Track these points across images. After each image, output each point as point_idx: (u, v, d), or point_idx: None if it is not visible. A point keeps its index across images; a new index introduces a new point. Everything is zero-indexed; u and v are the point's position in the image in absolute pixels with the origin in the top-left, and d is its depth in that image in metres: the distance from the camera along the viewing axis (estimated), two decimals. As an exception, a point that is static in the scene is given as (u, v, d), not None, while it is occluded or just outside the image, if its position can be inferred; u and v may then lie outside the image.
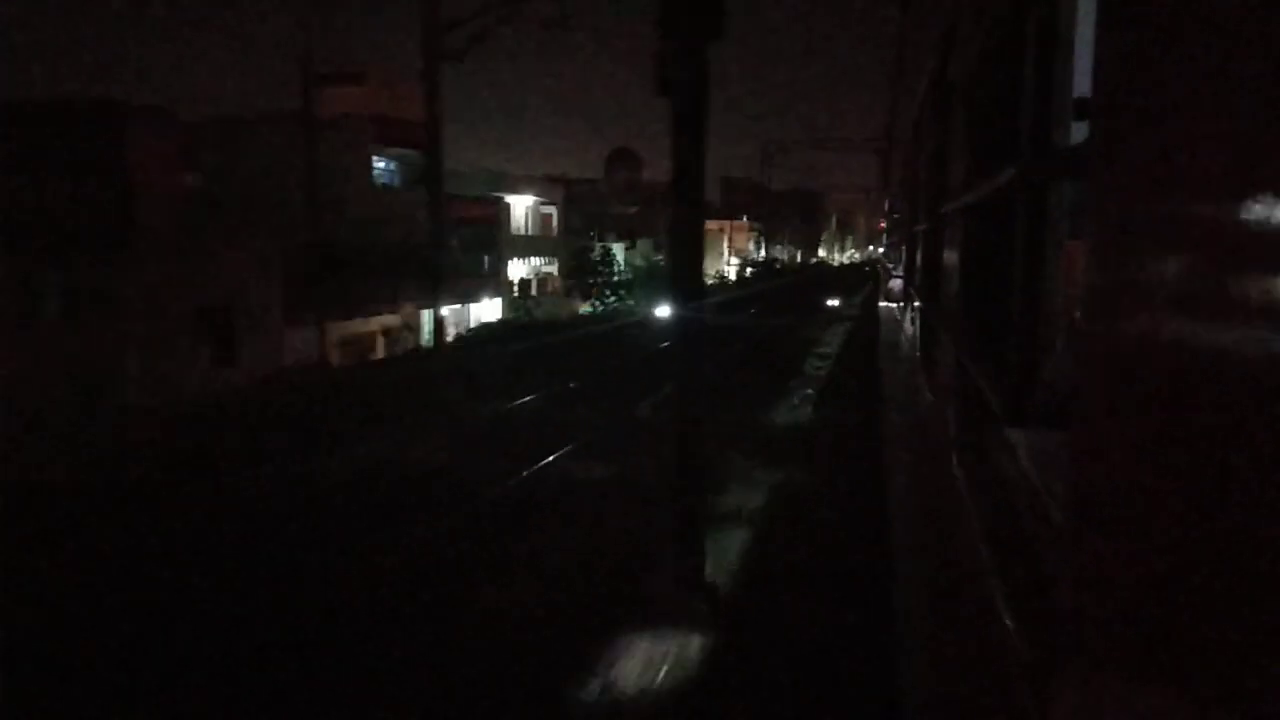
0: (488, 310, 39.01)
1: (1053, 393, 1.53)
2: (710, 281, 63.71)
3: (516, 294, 42.20)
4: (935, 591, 2.61)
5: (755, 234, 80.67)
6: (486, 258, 39.53)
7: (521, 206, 46.14)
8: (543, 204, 48.88)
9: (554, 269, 48.82)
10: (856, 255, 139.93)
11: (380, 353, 29.58)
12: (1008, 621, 1.27)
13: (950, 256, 2.70)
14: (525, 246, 45.47)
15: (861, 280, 75.34)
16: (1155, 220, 0.75)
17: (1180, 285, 0.68)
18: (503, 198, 42.19)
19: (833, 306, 44.43)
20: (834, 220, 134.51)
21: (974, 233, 2.17)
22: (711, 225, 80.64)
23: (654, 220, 61.29)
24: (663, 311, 37.83)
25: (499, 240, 40.84)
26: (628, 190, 64.80)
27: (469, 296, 36.05)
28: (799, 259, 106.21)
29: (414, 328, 31.93)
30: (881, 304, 16.42)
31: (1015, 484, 1.60)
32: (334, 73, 38.49)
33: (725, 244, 78.77)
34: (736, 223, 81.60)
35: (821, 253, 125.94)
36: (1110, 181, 0.88)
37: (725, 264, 76.34)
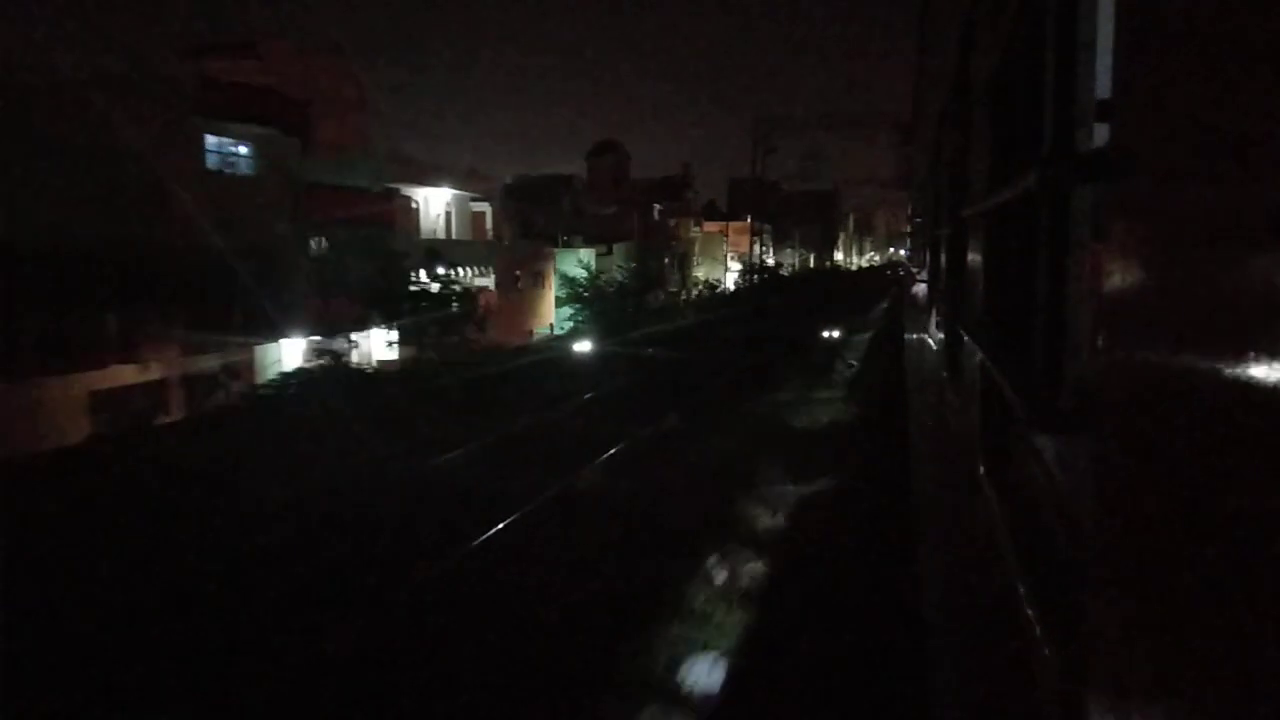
0: (380, 340, 28.66)
1: (1078, 397, 1.55)
2: (698, 292, 57.02)
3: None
4: (962, 597, 2.63)
5: (763, 236, 73.75)
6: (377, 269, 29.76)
7: (438, 203, 36.99)
8: (473, 200, 39.66)
9: (489, 281, 38.09)
10: (877, 258, 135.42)
11: (177, 411, 20.08)
12: (1035, 627, 1.30)
13: (973, 261, 2.72)
14: (443, 254, 35.58)
15: (881, 288, 65.01)
16: (1178, 222, 0.76)
17: (1204, 287, 0.69)
18: (399, 189, 32.59)
19: (831, 340, 32.43)
20: (851, 220, 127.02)
21: (997, 236, 2.19)
22: (711, 227, 72.35)
23: (635, 223, 53.88)
24: (583, 346, 28.72)
25: (394, 246, 30.90)
26: (611, 185, 59.16)
27: (348, 323, 25.28)
28: (811, 263, 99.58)
29: (235, 371, 22.23)
30: (910, 336, 9.92)
31: (1042, 488, 1.62)
32: (217, 43, 30.51)
33: (726, 248, 70.69)
34: (738, 224, 72.26)
35: (838, 256, 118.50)
36: (1132, 183, 0.90)
37: (726, 270, 68.49)
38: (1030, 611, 1.34)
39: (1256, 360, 0.59)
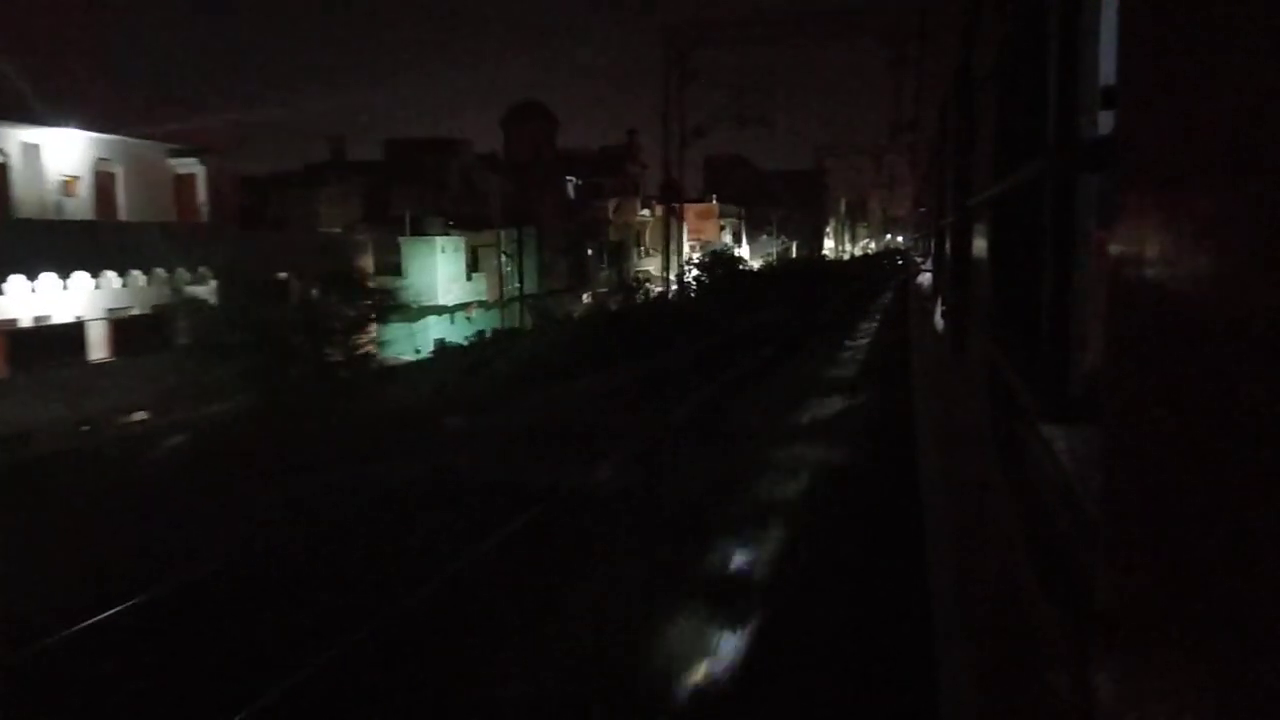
0: None
1: (1085, 386, 1.59)
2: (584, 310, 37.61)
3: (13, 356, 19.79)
4: (971, 591, 2.68)
5: (732, 221, 60.30)
6: None
7: (66, 157, 23.44)
8: (174, 156, 26.46)
9: (207, 290, 22.83)
10: (872, 245, 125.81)
11: None
12: (1045, 615, 1.33)
13: (979, 250, 2.76)
14: (92, 245, 21.88)
15: (875, 290, 49.88)
16: (1184, 210, 0.77)
17: (1210, 276, 0.70)
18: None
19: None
20: (842, 203, 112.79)
21: (1002, 226, 2.23)
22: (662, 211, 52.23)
23: (496, 205, 39.43)
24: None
25: None
26: (533, 153, 48.81)
27: None
28: (794, 253, 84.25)
29: None
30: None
31: (1050, 478, 1.66)
32: None
33: (685, 235, 53.60)
34: (698, 206, 55.72)
35: (829, 244, 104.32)
36: (1137, 171, 0.91)
37: (685, 264, 50.00)
38: (1041, 605, 1.36)
39: (1261, 347, 0.61)
